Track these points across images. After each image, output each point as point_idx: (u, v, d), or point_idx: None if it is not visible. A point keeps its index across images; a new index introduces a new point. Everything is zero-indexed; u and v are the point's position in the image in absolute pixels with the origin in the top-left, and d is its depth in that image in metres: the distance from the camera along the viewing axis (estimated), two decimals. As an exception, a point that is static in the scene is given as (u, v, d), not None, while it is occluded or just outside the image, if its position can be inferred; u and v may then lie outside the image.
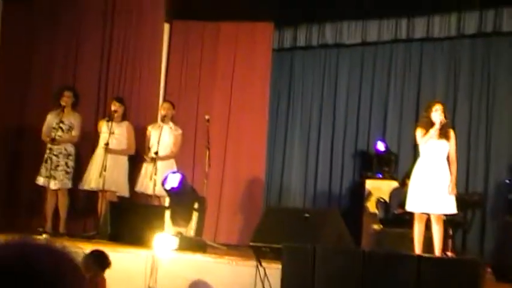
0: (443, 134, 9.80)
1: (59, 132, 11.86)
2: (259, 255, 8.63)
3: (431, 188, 9.72)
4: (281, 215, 10.63)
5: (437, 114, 9.78)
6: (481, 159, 12.86)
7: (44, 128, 12.03)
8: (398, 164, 12.82)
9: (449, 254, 10.71)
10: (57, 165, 11.81)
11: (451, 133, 9.93)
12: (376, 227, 12.04)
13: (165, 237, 10.01)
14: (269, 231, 9.46)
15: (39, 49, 13.49)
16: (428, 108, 9.97)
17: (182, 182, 11.01)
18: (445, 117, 9.88)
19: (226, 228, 13.17)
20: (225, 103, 13.69)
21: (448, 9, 12.99)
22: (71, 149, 12.04)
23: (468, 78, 13.16)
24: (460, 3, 12.88)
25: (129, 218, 11.12)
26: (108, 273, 8.65)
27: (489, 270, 7.74)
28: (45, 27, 13.50)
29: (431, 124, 9.81)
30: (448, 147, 9.82)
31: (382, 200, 12.28)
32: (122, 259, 9.28)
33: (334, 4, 13.67)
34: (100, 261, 8.76)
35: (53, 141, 11.75)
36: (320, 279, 7.32)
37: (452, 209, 9.85)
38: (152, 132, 12.10)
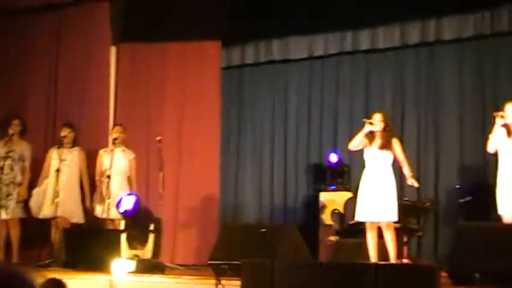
0: (384, 144, 10.06)
1: (8, 162, 11.89)
2: (218, 273, 8.62)
3: (375, 197, 9.99)
4: (238, 232, 10.73)
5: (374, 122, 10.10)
6: (430, 165, 13.08)
7: None
8: (351, 175, 12.81)
9: (405, 260, 10.86)
10: (8, 195, 11.79)
11: (393, 142, 10.16)
12: (332, 238, 12.09)
13: (122, 261, 9.97)
14: (227, 249, 9.57)
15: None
16: (369, 119, 10.20)
17: (137, 204, 10.87)
18: (386, 125, 10.15)
19: (183, 248, 13.13)
20: (176, 123, 13.67)
21: (391, 21, 13.20)
22: (21, 177, 12.03)
23: (414, 87, 13.39)
24: (402, 14, 13.06)
25: (84, 244, 11.04)
26: (66, 301, 8.88)
27: (444, 274, 7.85)
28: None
29: (373, 133, 10.07)
30: (390, 156, 10.08)
31: (337, 212, 12.36)
32: (79, 286, 9.23)
33: (280, 20, 13.81)
34: None
35: (2, 170, 11.74)
36: None
37: (393, 216, 10.10)
38: (105, 156, 12.10)
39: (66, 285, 8.60)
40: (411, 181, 10.08)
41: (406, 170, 10.16)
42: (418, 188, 12.24)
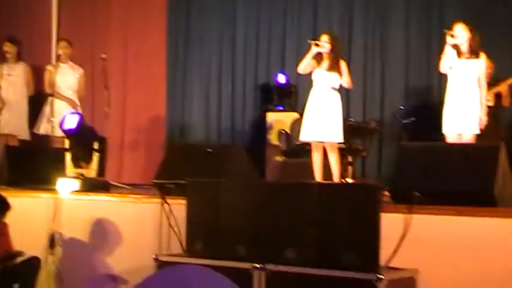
0: (331, 65, 10.23)
1: None
2: (164, 192, 8.53)
3: (321, 117, 10.19)
4: (184, 151, 10.53)
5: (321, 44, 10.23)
6: (376, 87, 13.27)
7: None
8: (298, 95, 12.92)
9: (349, 180, 11.12)
10: None
11: (341, 64, 10.34)
12: (279, 158, 12.37)
13: (67, 180, 9.98)
14: (173, 168, 9.54)
15: None
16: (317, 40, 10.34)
17: (80, 122, 10.74)
18: (333, 47, 10.32)
19: (129, 167, 13.24)
20: (122, 46, 13.76)
21: None
22: None
23: (362, 9, 13.43)
24: None
25: (28, 162, 10.95)
26: (9, 219, 8.75)
27: (387, 193, 7.95)
28: None
29: (320, 55, 10.23)
30: (337, 78, 10.27)
31: (283, 132, 12.56)
32: (22, 204, 9.34)
33: None
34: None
35: None
36: (225, 212, 7.26)
37: (338, 137, 10.33)
38: (53, 72, 11.95)
39: (6, 201, 8.69)
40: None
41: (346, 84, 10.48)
42: (363, 110, 12.48)
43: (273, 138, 12.81)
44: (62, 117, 11.00)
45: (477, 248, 7.23)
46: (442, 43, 10.36)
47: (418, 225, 6.94)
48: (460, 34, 9.88)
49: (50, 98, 11.71)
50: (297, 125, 11.78)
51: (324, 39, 10.41)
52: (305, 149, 10.93)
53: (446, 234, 7.27)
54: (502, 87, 10.97)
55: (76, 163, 10.61)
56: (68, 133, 10.87)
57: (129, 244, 8.95)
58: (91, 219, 9.38)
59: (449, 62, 9.97)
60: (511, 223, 7.29)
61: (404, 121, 12.06)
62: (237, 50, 14.47)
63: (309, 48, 10.46)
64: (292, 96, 13.12)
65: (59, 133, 11.29)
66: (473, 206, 7.51)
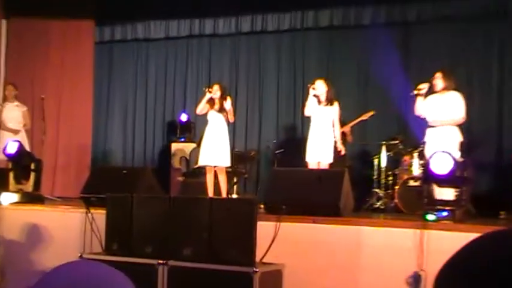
0: (220, 107, 10.34)
1: None
2: (88, 204, 8.35)
3: (213, 147, 10.27)
4: (105, 172, 10.47)
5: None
6: (255, 125, 13.37)
7: None
8: (196, 130, 12.70)
9: (234, 195, 11.19)
10: None
11: (226, 104, 10.37)
12: (180, 178, 12.27)
13: (8, 194, 9.81)
14: (96, 185, 9.25)
15: None
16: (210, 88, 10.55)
17: (19, 148, 10.58)
18: (222, 93, 10.42)
19: (61, 184, 12.94)
20: (57, 86, 13.44)
21: (229, 13, 13.30)
22: None
23: (245, 65, 13.57)
24: (236, 8, 13.17)
25: None
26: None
27: (262, 206, 8.00)
28: None
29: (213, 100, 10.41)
30: (224, 117, 10.38)
31: (184, 158, 12.57)
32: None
33: (142, 6, 13.74)
34: None
35: None
36: (137, 221, 7.11)
37: (226, 162, 10.43)
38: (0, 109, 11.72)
39: None
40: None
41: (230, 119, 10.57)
42: (245, 141, 12.57)
43: (175, 162, 12.77)
44: (5, 143, 10.92)
45: (327, 246, 7.46)
46: (305, 93, 10.50)
47: (284, 231, 7.02)
48: (320, 87, 10.08)
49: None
50: (194, 152, 11.82)
51: (215, 87, 10.51)
52: (200, 171, 10.94)
53: (305, 237, 7.48)
54: (346, 128, 11.16)
55: (17, 180, 10.39)
56: (9, 157, 10.76)
57: (59, 245, 8.74)
58: (27, 225, 9.17)
59: (311, 108, 10.15)
60: (351, 228, 7.60)
61: (276, 151, 12.21)
62: (149, 92, 14.39)
63: (204, 94, 10.60)
64: (191, 130, 13.10)
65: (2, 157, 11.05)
66: (324, 216, 7.74)
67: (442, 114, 9.14)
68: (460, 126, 9.22)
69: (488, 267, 0.99)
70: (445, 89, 9.16)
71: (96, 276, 1.22)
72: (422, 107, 9.28)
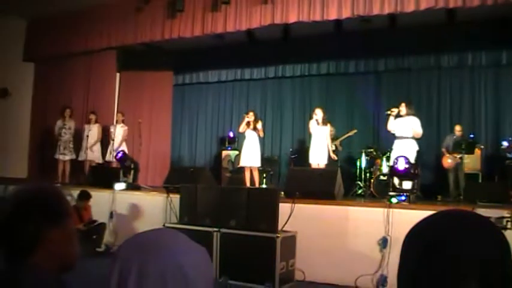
0: (254, 127, 10.27)
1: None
2: (168, 191, 8.47)
3: (249, 153, 10.22)
4: (178, 170, 10.49)
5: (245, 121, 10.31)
6: (277, 139, 13.25)
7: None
8: (238, 142, 12.52)
9: (263, 186, 11.17)
10: None
11: (258, 126, 10.27)
12: (227, 174, 12.25)
13: (119, 183, 9.89)
14: (173, 178, 9.34)
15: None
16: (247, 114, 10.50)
17: (123, 154, 10.88)
18: (255, 118, 10.32)
19: (151, 177, 12.95)
20: (149, 114, 13.44)
21: (261, 64, 13.32)
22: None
23: (272, 97, 13.49)
24: (266, 62, 13.14)
25: (103, 174, 10.89)
26: (91, 203, 8.96)
27: (282, 193, 8.00)
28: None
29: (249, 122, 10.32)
30: (256, 133, 10.28)
31: (230, 161, 12.52)
32: (97, 195, 9.29)
33: (203, 60, 13.71)
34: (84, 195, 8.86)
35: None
36: (200, 202, 7.30)
37: (258, 163, 10.35)
38: (112, 128, 11.84)
39: (88, 192, 8.54)
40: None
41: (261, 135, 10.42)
42: (271, 150, 12.51)
43: (224, 164, 12.71)
44: (117, 152, 11.06)
45: (325, 220, 7.44)
46: (309, 117, 10.48)
47: (297, 209, 7.04)
48: (318, 113, 10.01)
49: (111, 142, 11.64)
50: (237, 157, 11.88)
51: (251, 114, 10.45)
52: (241, 170, 10.91)
53: (311, 214, 7.47)
54: (337, 142, 11.07)
55: (124, 175, 10.48)
56: (118, 160, 10.90)
57: (149, 217, 8.87)
58: (130, 204, 9.37)
59: (312, 127, 10.04)
60: (341, 208, 7.57)
61: (291, 156, 12.22)
62: (207, 118, 14.37)
63: (243, 118, 10.61)
64: (235, 142, 13.01)
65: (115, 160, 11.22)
66: (324, 199, 7.73)
67: (406, 131, 9.11)
68: (417, 139, 9.18)
69: (434, 233, 1.04)
70: (407, 114, 9.17)
71: (172, 236, 1.24)
72: (392, 125, 9.27)
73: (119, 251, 1.21)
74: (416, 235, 1.07)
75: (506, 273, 0.98)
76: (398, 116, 9.27)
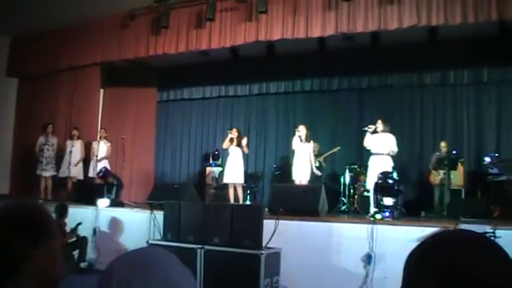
0: (238, 143, 10.27)
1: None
2: (152, 207, 8.44)
3: (233, 170, 10.17)
4: (162, 186, 10.44)
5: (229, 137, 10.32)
6: (260, 155, 13.22)
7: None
8: (222, 158, 12.35)
9: (247, 202, 11.11)
10: None
11: (243, 142, 10.32)
12: (212, 191, 12.21)
13: (103, 200, 9.90)
14: (156, 195, 9.26)
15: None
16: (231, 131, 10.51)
17: (106, 171, 10.89)
18: (238, 134, 10.32)
19: (134, 193, 12.84)
20: (132, 130, 13.41)
21: (246, 82, 13.34)
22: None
23: (258, 114, 13.50)
24: (250, 79, 13.21)
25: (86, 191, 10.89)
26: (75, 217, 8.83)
27: (266, 209, 7.96)
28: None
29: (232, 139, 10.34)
30: (240, 150, 10.28)
31: (214, 177, 12.49)
32: (79, 212, 9.27)
33: (187, 76, 13.73)
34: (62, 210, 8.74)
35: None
36: (183, 219, 7.16)
37: (241, 180, 10.30)
38: (95, 144, 11.84)
39: (67, 207, 8.34)
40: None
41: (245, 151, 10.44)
42: (255, 165, 12.50)
43: (208, 180, 12.67)
44: (99, 169, 10.97)
45: (309, 236, 7.42)
46: (292, 134, 10.43)
47: (281, 226, 6.91)
48: (302, 130, 9.98)
49: (96, 159, 11.60)
50: (221, 174, 11.80)
51: (234, 130, 10.45)
52: (225, 186, 10.83)
53: (295, 230, 7.44)
54: (321, 158, 11.08)
55: (107, 191, 10.40)
56: (100, 177, 10.82)
57: (133, 234, 8.81)
58: (113, 220, 9.36)
59: (295, 145, 10.02)
60: (326, 224, 7.56)
61: (275, 172, 12.22)
62: (191, 134, 14.31)
63: (227, 135, 10.60)
64: (219, 159, 12.94)
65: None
66: (308, 216, 7.73)
67: (382, 148, 9.16)
68: (392, 156, 9.23)
69: (453, 255, 1.01)
70: (383, 131, 9.23)
71: (156, 254, 1.23)
72: (369, 141, 9.33)
73: (112, 270, 1.18)
74: (431, 257, 1.03)
75: None
76: (374, 132, 9.33)
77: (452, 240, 1.05)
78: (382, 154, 9.11)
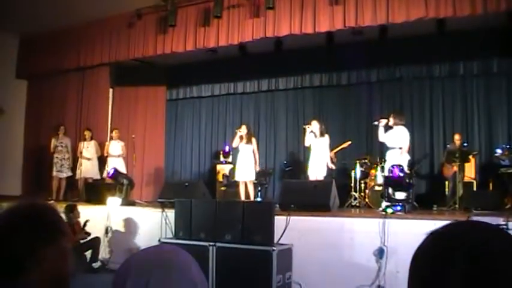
0: (247, 141, 10.26)
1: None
2: (163, 206, 8.50)
3: (243, 167, 10.17)
4: (173, 185, 10.50)
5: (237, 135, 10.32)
6: (271, 151, 13.18)
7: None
8: (233, 156, 12.23)
9: (258, 199, 11.05)
10: None
11: (252, 139, 10.31)
12: (222, 188, 12.21)
13: (114, 199, 9.93)
14: (168, 193, 9.34)
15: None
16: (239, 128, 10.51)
17: (115, 171, 10.83)
18: (248, 131, 10.33)
19: (146, 192, 12.96)
20: (143, 129, 13.52)
21: (255, 77, 13.45)
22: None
23: (264, 112, 13.47)
24: (258, 75, 13.19)
25: (97, 190, 10.88)
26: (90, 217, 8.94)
27: (277, 206, 7.90)
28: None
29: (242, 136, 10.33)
30: (251, 147, 10.23)
31: (225, 175, 12.48)
32: (93, 211, 9.46)
33: (195, 74, 13.76)
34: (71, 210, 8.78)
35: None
36: (195, 216, 7.21)
37: (252, 177, 10.30)
38: (108, 144, 11.91)
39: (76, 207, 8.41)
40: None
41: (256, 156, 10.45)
42: (266, 163, 12.52)
43: (219, 178, 12.67)
44: (108, 170, 11.02)
45: (321, 232, 7.42)
46: (302, 131, 10.47)
47: (292, 222, 6.99)
48: (314, 125, 9.98)
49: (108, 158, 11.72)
50: (232, 171, 11.84)
51: (243, 127, 10.48)
52: (236, 184, 10.88)
53: (307, 226, 7.43)
54: (332, 153, 11.06)
55: (119, 191, 10.47)
56: (109, 177, 10.87)
57: (145, 232, 8.86)
58: (125, 219, 9.36)
59: (309, 140, 10.00)
60: (337, 219, 7.55)
61: (286, 169, 12.23)
62: (201, 132, 14.28)
63: (235, 133, 10.62)
64: (230, 156, 12.93)
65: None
66: (319, 211, 7.72)
67: (395, 142, 9.10)
68: (407, 149, 9.17)
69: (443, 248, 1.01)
70: (395, 124, 9.16)
71: (170, 252, 1.23)
72: (383, 136, 9.27)
73: (128, 268, 1.18)
74: (451, 249, 0.99)
75: None
76: (388, 127, 9.29)
77: (471, 231, 1.02)
78: (395, 148, 9.06)
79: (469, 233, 1.02)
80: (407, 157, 9.08)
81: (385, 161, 9.45)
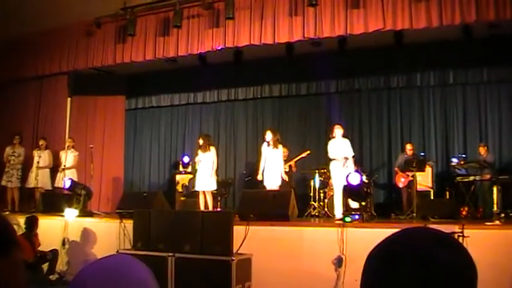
0: (205, 150, 10.10)
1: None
2: (121, 216, 8.36)
3: (203, 177, 10.00)
4: (132, 195, 10.42)
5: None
6: (231, 161, 13.25)
7: None
8: (193, 167, 12.12)
9: (218, 209, 11.08)
10: None
11: (211, 147, 10.13)
12: (182, 198, 12.15)
13: (71, 210, 9.72)
14: (126, 204, 9.27)
15: None
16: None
17: (72, 182, 10.55)
18: (205, 141, 10.13)
19: (104, 202, 12.83)
20: (101, 139, 13.34)
21: (215, 87, 13.44)
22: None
23: (224, 123, 13.55)
24: (219, 85, 13.18)
25: (53, 201, 10.62)
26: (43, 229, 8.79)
27: (237, 216, 8.02)
28: None
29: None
30: (210, 155, 10.09)
31: (184, 185, 12.43)
32: (48, 223, 9.26)
33: (154, 84, 13.70)
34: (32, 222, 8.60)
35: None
36: (153, 227, 7.18)
37: (213, 187, 10.11)
38: (62, 154, 11.59)
39: (37, 219, 8.26)
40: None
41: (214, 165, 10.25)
42: (225, 172, 12.48)
43: (179, 188, 12.54)
44: (64, 181, 10.77)
45: (280, 241, 7.46)
46: (261, 140, 10.42)
47: (252, 231, 6.99)
48: (268, 135, 9.88)
49: (62, 168, 11.39)
50: (191, 181, 11.79)
51: (200, 138, 10.34)
52: (195, 194, 10.78)
53: (266, 236, 7.47)
54: (292, 162, 11.12)
55: (76, 202, 10.25)
56: (66, 189, 10.62)
57: (103, 243, 8.77)
58: (83, 230, 9.27)
59: (264, 151, 9.90)
60: (296, 229, 7.60)
61: (245, 179, 12.21)
62: (160, 142, 14.25)
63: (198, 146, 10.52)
64: (189, 166, 12.79)
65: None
66: (278, 221, 7.75)
67: (339, 153, 9.22)
68: (353, 159, 9.33)
69: (395, 250, 1.04)
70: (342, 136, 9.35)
71: (126, 263, 1.23)
72: (329, 147, 9.42)
73: (83, 281, 1.17)
74: (406, 252, 1.02)
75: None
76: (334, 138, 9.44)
77: (425, 236, 1.06)
78: (338, 159, 9.16)
79: (420, 237, 1.05)
80: (353, 167, 9.22)
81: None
